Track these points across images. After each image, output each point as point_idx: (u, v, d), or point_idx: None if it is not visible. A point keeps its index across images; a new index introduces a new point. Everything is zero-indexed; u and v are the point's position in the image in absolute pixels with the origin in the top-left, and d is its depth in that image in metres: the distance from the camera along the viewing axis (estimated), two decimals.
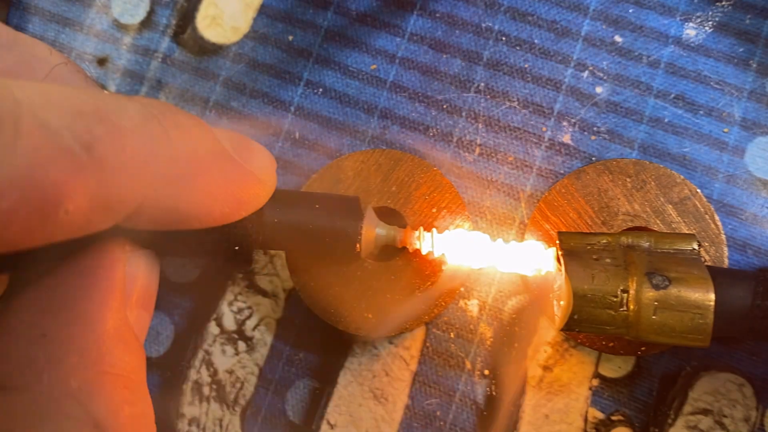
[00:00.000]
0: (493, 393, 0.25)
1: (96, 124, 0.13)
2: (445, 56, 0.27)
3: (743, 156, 0.25)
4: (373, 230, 0.22)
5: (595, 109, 0.26)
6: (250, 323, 0.26)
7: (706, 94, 0.26)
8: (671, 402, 0.24)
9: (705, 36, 0.26)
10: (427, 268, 0.24)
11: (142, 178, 0.14)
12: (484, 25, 0.27)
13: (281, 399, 0.25)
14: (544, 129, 0.26)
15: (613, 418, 0.24)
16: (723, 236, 0.24)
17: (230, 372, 0.26)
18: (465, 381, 0.25)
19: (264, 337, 0.26)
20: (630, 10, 0.27)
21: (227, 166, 0.17)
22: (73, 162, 0.13)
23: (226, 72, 0.28)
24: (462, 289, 0.25)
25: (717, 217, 0.24)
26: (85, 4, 0.29)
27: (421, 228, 0.23)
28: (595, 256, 0.21)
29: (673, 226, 0.24)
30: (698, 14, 0.27)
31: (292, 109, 0.28)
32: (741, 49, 0.26)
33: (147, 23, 0.29)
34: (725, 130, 0.26)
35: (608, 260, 0.21)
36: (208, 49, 0.28)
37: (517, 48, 0.27)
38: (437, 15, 0.28)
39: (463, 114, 0.27)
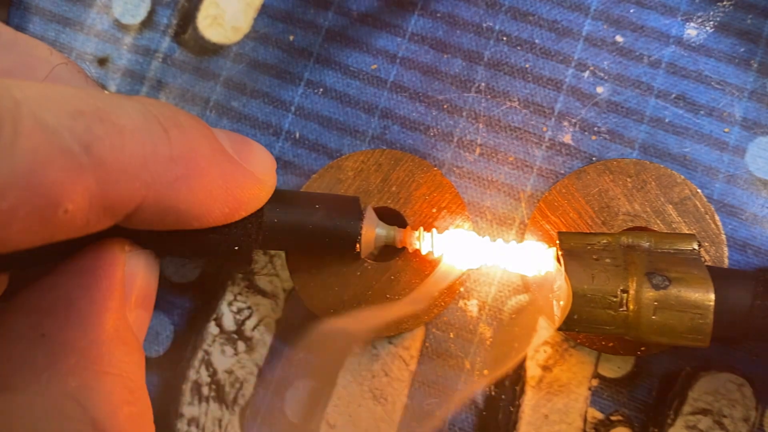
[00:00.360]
0: (493, 393, 0.25)
1: (96, 124, 0.13)
2: (445, 56, 0.27)
3: (744, 156, 0.25)
4: (373, 230, 0.22)
5: (596, 109, 0.26)
6: (249, 323, 0.26)
7: (707, 94, 0.26)
8: (671, 402, 0.24)
9: (706, 36, 0.26)
10: (427, 269, 0.24)
11: (141, 178, 0.14)
12: (485, 25, 0.27)
13: (280, 399, 0.25)
14: (544, 129, 0.26)
15: (613, 418, 0.24)
16: (723, 236, 0.24)
17: (230, 372, 0.26)
18: (465, 381, 0.25)
19: (263, 338, 0.26)
20: (631, 10, 0.27)
21: (227, 166, 0.17)
22: (72, 162, 0.13)
23: (227, 72, 0.28)
24: (462, 289, 0.25)
25: (717, 217, 0.24)
26: (85, 4, 0.29)
27: (421, 228, 0.23)
28: (595, 256, 0.21)
29: (674, 226, 0.24)
30: (699, 14, 0.27)
31: (293, 109, 0.28)
32: (742, 49, 0.26)
33: (148, 23, 0.29)
34: (726, 130, 0.26)
35: (608, 260, 0.21)
36: (208, 49, 0.28)
37: (518, 48, 0.27)
38: (438, 15, 0.28)
39: (464, 114, 0.27)
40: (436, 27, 0.27)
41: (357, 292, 0.24)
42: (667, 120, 0.26)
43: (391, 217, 0.25)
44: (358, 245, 0.21)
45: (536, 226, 0.25)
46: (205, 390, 0.26)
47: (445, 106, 0.27)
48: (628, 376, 0.24)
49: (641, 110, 0.26)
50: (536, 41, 0.27)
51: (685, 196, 0.24)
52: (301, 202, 0.21)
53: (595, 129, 0.26)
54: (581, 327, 0.21)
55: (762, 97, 0.26)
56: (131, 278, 0.17)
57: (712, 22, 0.26)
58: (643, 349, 0.23)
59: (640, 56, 0.26)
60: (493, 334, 0.25)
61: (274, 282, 0.26)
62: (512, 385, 0.25)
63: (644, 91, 0.26)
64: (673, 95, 0.26)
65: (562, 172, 0.26)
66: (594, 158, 0.26)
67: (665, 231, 0.24)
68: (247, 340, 0.26)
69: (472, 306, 0.25)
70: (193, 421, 0.25)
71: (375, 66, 0.27)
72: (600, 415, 0.24)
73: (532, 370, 0.25)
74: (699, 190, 0.24)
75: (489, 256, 0.22)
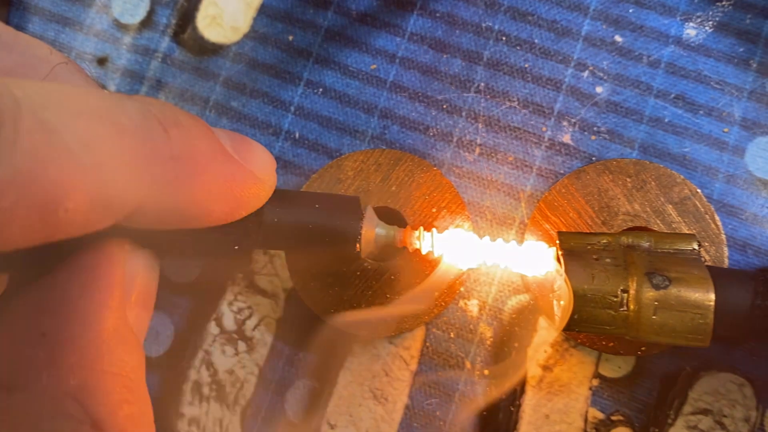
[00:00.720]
0: (493, 393, 0.25)
1: (96, 123, 0.13)
2: (445, 56, 0.27)
3: (743, 156, 0.25)
4: (372, 230, 0.22)
5: (596, 108, 0.26)
6: (250, 323, 0.26)
7: (706, 94, 0.26)
8: (671, 402, 0.24)
9: (705, 36, 0.26)
10: (427, 269, 0.24)
11: (141, 177, 0.14)
12: (484, 24, 0.27)
13: (281, 399, 0.25)
14: (544, 129, 0.26)
15: (613, 418, 0.24)
16: (723, 236, 0.24)
17: (230, 372, 0.26)
18: (465, 381, 0.25)
19: (264, 337, 0.26)
20: (630, 10, 0.27)
21: (227, 166, 0.17)
22: (72, 161, 0.13)
23: (226, 72, 0.28)
24: (462, 289, 0.25)
25: (717, 217, 0.24)
26: (85, 3, 0.29)
27: (421, 228, 0.23)
28: (595, 256, 0.21)
29: (674, 226, 0.24)
30: (698, 14, 0.27)
31: (292, 109, 0.28)
32: (741, 49, 0.26)
33: (147, 23, 0.29)
34: (725, 130, 0.26)
35: (608, 260, 0.21)
36: (208, 49, 0.28)
37: (518, 48, 0.27)
38: (437, 15, 0.28)
39: (463, 114, 0.27)
40: (436, 27, 0.27)
41: (357, 292, 0.24)
42: (666, 120, 0.26)
43: (391, 216, 0.25)
44: (358, 245, 0.21)
45: (536, 226, 0.25)
46: (206, 390, 0.26)
47: (444, 106, 0.27)
48: (628, 376, 0.24)
49: (641, 110, 0.26)
50: (535, 41, 0.27)
51: (685, 196, 0.24)
52: (301, 202, 0.21)
53: (595, 129, 0.26)
54: (581, 327, 0.21)
55: (761, 96, 0.26)
56: (131, 278, 0.17)
57: (711, 22, 0.26)
58: (643, 349, 0.23)
59: (640, 56, 0.26)
60: (493, 334, 0.25)
61: (274, 282, 0.26)
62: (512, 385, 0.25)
63: (643, 91, 0.26)
64: (673, 95, 0.26)
65: (562, 172, 0.26)
66: (593, 158, 0.26)
67: (665, 231, 0.24)
68: (248, 340, 0.26)
69: (473, 306, 0.25)
70: (193, 421, 0.25)
71: (374, 66, 0.27)
72: (601, 415, 0.24)
73: (533, 370, 0.25)
74: (699, 190, 0.24)
75: (489, 256, 0.22)
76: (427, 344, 0.25)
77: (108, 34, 0.29)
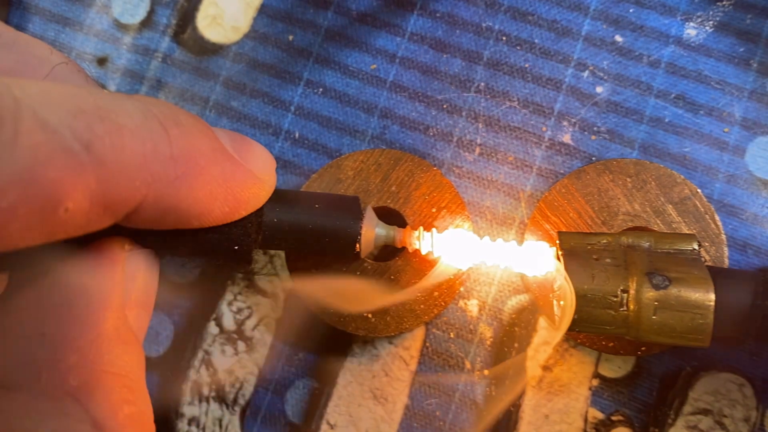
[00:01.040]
0: (493, 393, 0.25)
1: (96, 123, 0.13)
2: (445, 56, 0.27)
3: (744, 156, 0.25)
4: (372, 230, 0.22)
5: (596, 108, 0.26)
6: (249, 323, 0.26)
7: (706, 93, 0.26)
8: (671, 402, 0.24)
9: (706, 36, 0.26)
10: (426, 269, 0.24)
11: (141, 176, 0.14)
12: (484, 24, 0.27)
13: (281, 399, 0.25)
14: (544, 129, 0.26)
15: (613, 418, 0.24)
16: (723, 236, 0.24)
17: (230, 372, 0.26)
18: (465, 381, 0.25)
19: (263, 337, 0.26)
20: (630, 10, 0.27)
21: (227, 165, 0.17)
22: (73, 160, 0.13)
23: (227, 72, 0.28)
24: (462, 289, 0.25)
25: (717, 217, 0.24)
26: (85, 3, 0.29)
27: (421, 228, 0.23)
28: (595, 256, 0.21)
29: (674, 226, 0.24)
30: (699, 14, 0.27)
31: (292, 108, 0.28)
32: (741, 49, 0.26)
33: (147, 23, 0.29)
34: (726, 129, 0.26)
35: (608, 260, 0.21)
36: (208, 49, 0.28)
37: (518, 48, 0.27)
38: (437, 15, 0.28)
39: (463, 114, 0.27)
40: (436, 27, 0.27)
41: (357, 292, 0.24)
42: (666, 120, 0.26)
43: (391, 216, 0.25)
44: (358, 245, 0.21)
45: (536, 226, 0.25)
46: (206, 390, 0.26)
47: (444, 106, 0.27)
48: (628, 376, 0.24)
49: (641, 110, 0.26)
50: (535, 41, 0.27)
51: (685, 195, 0.24)
52: (301, 202, 0.21)
53: (595, 129, 0.26)
54: (581, 327, 0.21)
55: (761, 96, 0.26)
56: (131, 277, 0.17)
57: (711, 22, 0.26)
58: (643, 349, 0.23)
59: (640, 56, 0.26)
60: (493, 334, 0.25)
61: (274, 282, 0.26)
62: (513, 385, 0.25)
63: (644, 91, 0.26)
64: (673, 95, 0.26)
65: (562, 171, 0.26)
66: (594, 158, 0.26)
67: (665, 231, 0.24)
68: (247, 340, 0.26)
69: (473, 306, 0.25)
70: (193, 420, 0.25)
71: (374, 66, 0.27)
72: (601, 415, 0.24)
73: (533, 370, 0.25)
74: (699, 190, 0.24)
75: (489, 256, 0.22)
76: (427, 344, 0.25)
77: (108, 34, 0.29)
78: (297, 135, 0.27)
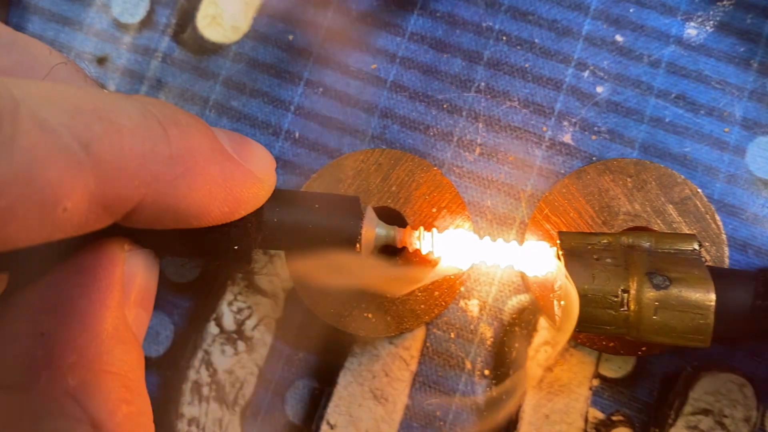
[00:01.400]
0: (493, 393, 0.25)
1: (95, 123, 0.13)
2: (445, 56, 0.27)
3: (744, 156, 0.25)
4: (373, 230, 0.22)
5: (596, 108, 0.26)
6: (249, 323, 0.26)
7: (707, 93, 0.26)
8: (672, 402, 0.24)
9: (706, 35, 0.26)
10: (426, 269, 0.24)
11: (140, 176, 0.14)
12: (484, 24, 0.27)
13: (281, 399, 0.25)
14: (544, 129, 0.26)
15: (614, 418, 0.24)
16: (724, 236, 0.24)
17: (230, 372, 0.26)
18: (465, 381, 0.25)
19: (264, 337, 0.26)
20: (631, 10, 0.27)
21: (226, 165, 0.17)
22: (71, 160, 0.13)
23: (226, 71, 0.28)
24: (462, 288, 0.25)
25: (718, 217, 0.24)
26: (84, 3, 0.29)
27: (421, 228, 0.23)
28: (595, 256, 0.21)
29: (674, 226, 0.24)
30: (699, 14, 0.27)
31: (292, 108, 0.28)
32: (742, 49, 0.26)
33: (147, 22, 0.29)
34: (726, 129, 0.26)
35: (609, 260, 0.21)
36: (208, 49, 0.28)
37: (518, 47, 0.27)
38: (438, 14, 0.28)
39: (464, 113, 0.27)
40: (436, 26, 0.27)
41: (357, 292, 0.24)
42: (667, 120, 0.26)
43: (391, 216, 0.25)
44: (358, 245, 0.21)
45: (536, 226, 0.25)
46: (205, 390, 0.26)
47: (444, 106, 0.27)
48: (629, 376, 0.24)
49: (641, 110, 0.26)
50: (536, 41, 0.27)
51: (686, 195, 0.24)
52: (300, 202, 0.21)
53: (595, 129, 0.26)
54: (582, 327, 0.21)
55: (762, 96, 0.26)
56: (130, 277, 0.17)
57: (712, 22, 0.26)
58: (643, 349, 0.23)
59: (640, 56, 0.26)
60: (493, 334, 0.25)
61: (274, 282, 0.26)
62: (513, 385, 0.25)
63: (644, 91, 0.26)
64: (673, 95, 0.26)
65: (562, 171, 0.26)
66: (594, 158, 0.26)
67: (666, 231, 0.24)
68: (247, 340, 0.26)
69: (473, 306, 0.25)
70: (193, 421, 0.25)
71: (375, 65, 0.27)
72: (601, 415, 0.24)
73: (533, 370, 0.25)
74: (699, 190, 0.24)
75: (489, 256, 0.22)
76: (427, 344, 0.25)
77: (108, 34, 0.29)
78: (297, 135, 0.27)
